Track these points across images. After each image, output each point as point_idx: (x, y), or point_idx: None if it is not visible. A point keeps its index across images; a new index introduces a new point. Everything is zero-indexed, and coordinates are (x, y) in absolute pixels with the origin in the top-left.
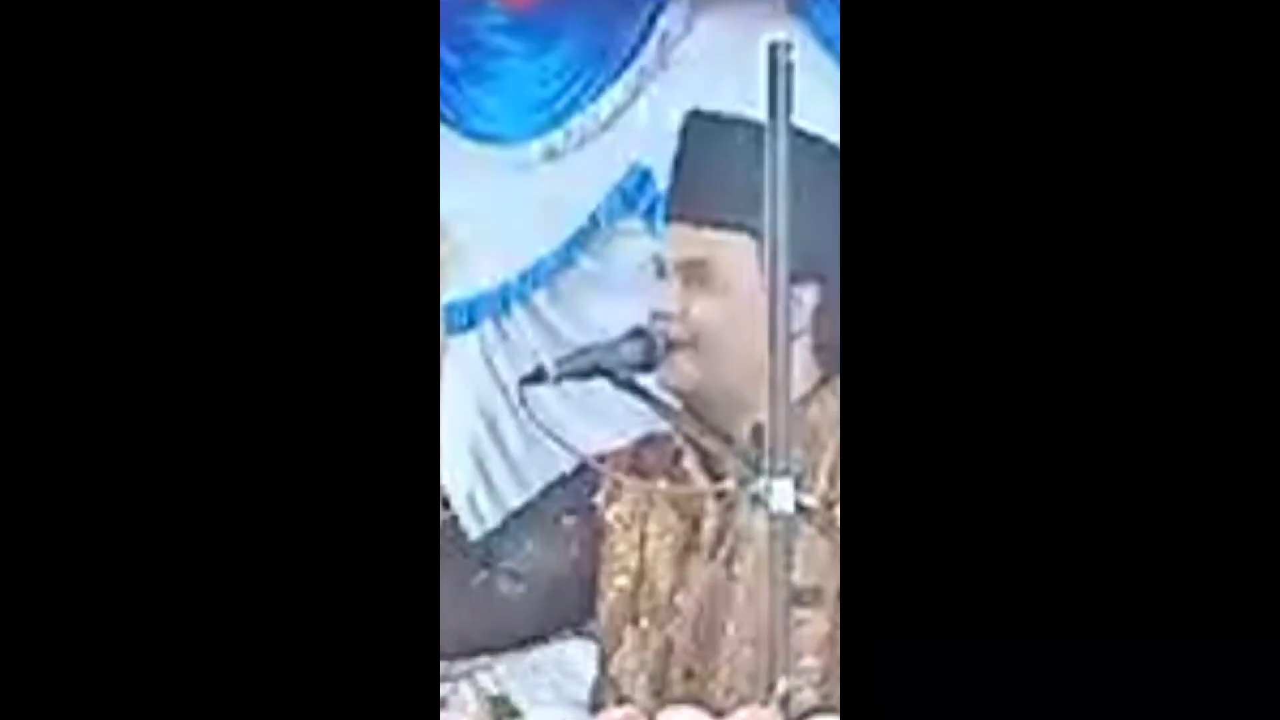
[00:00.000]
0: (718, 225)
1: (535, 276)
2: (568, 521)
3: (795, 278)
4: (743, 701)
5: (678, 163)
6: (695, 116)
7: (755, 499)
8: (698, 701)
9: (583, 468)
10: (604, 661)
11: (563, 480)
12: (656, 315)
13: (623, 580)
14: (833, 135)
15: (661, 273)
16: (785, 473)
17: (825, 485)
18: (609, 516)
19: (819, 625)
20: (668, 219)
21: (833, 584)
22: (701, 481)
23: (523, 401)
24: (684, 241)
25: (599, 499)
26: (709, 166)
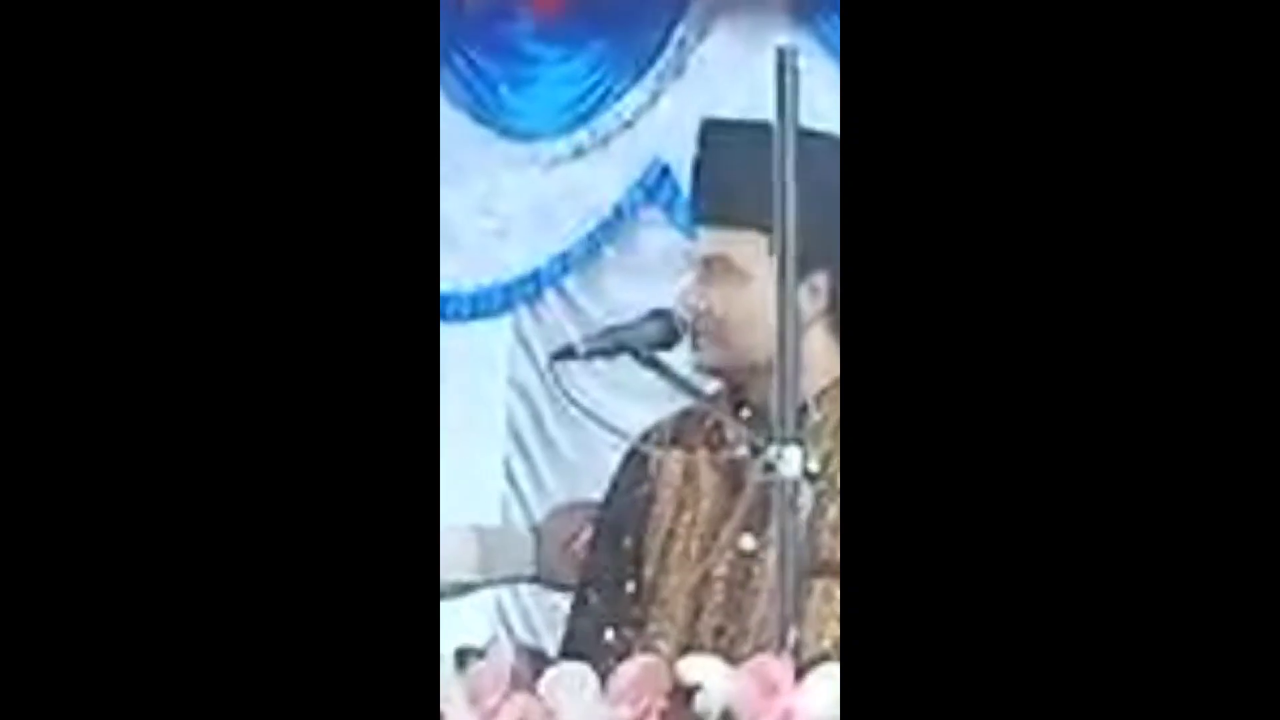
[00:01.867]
0: (735, 224)
1: (565, 263)
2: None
3: (808, 265)
4: (752, 650)
5: (697, 168)
6: (710, 124)
7: (767, 466)
8: (728, 655)
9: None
10: (641, 615)
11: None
12: (687, 308)
13: (660, 539)
14: (837, 131)
15: (693, 268)
16: (795, 441)
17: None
18: (639, 487)
19: (822, 579)
20: (695, 221)
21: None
22: (720, 454)
23: (555, 377)
24: (707, 240)
25: (650, 468)
26: (725, 169)
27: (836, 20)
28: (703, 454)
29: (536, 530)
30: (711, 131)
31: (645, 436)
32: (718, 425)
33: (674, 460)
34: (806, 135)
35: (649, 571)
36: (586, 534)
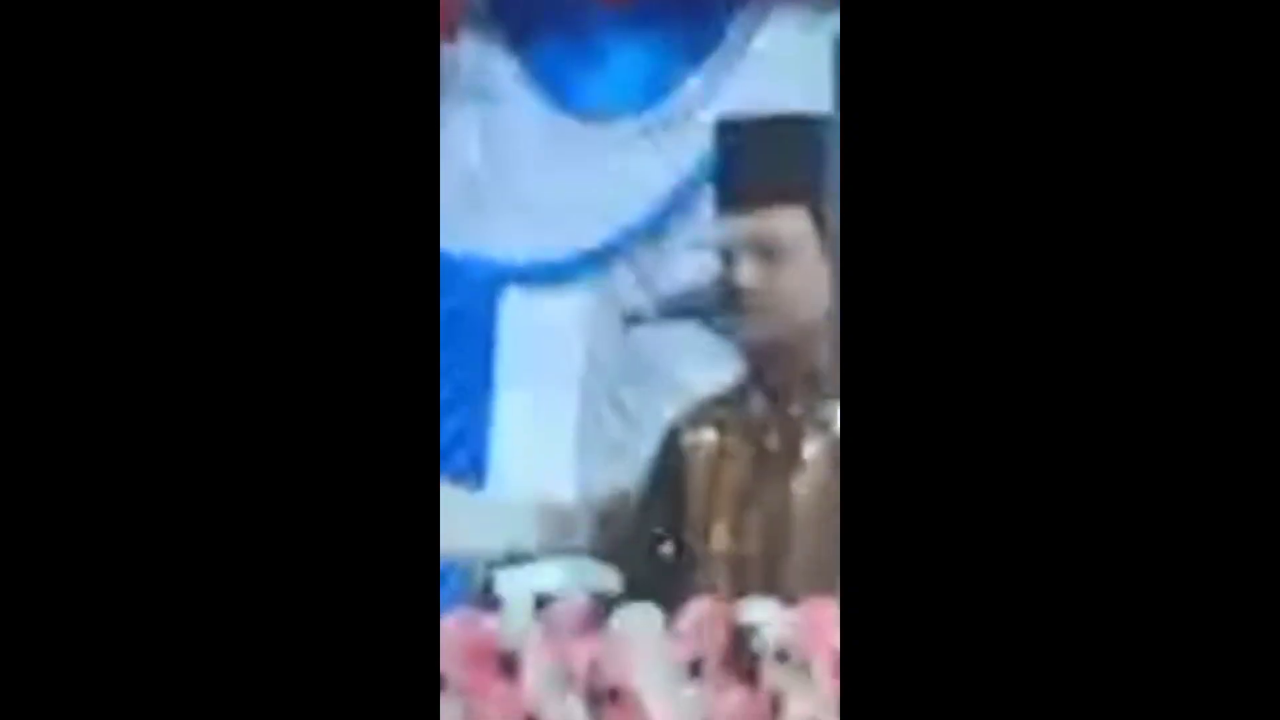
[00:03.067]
0: (785, 200)
1: (636, 237)
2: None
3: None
4: (811, 590)
5: (721, 164)
6: (722, 125)
7: (818, 423)
8: (772, 590)
9: (681, 414)
10: (692, 562)
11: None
12: (738, 292)
13: (705, 498)
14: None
15: (727, 259)
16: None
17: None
18: (694, 447)
19: None
20: (724, 204)
21: None
22: (773, 418)
23: (627, 341)
24: (747, 224)
25: (686, 435)
26: (766, 153)
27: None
28: (736, 423)
29: (593, 506)
30: (725, 130)
31: (682, 414)
32: (744, 396)
33: (706, 433)
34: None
35: (690, 529)
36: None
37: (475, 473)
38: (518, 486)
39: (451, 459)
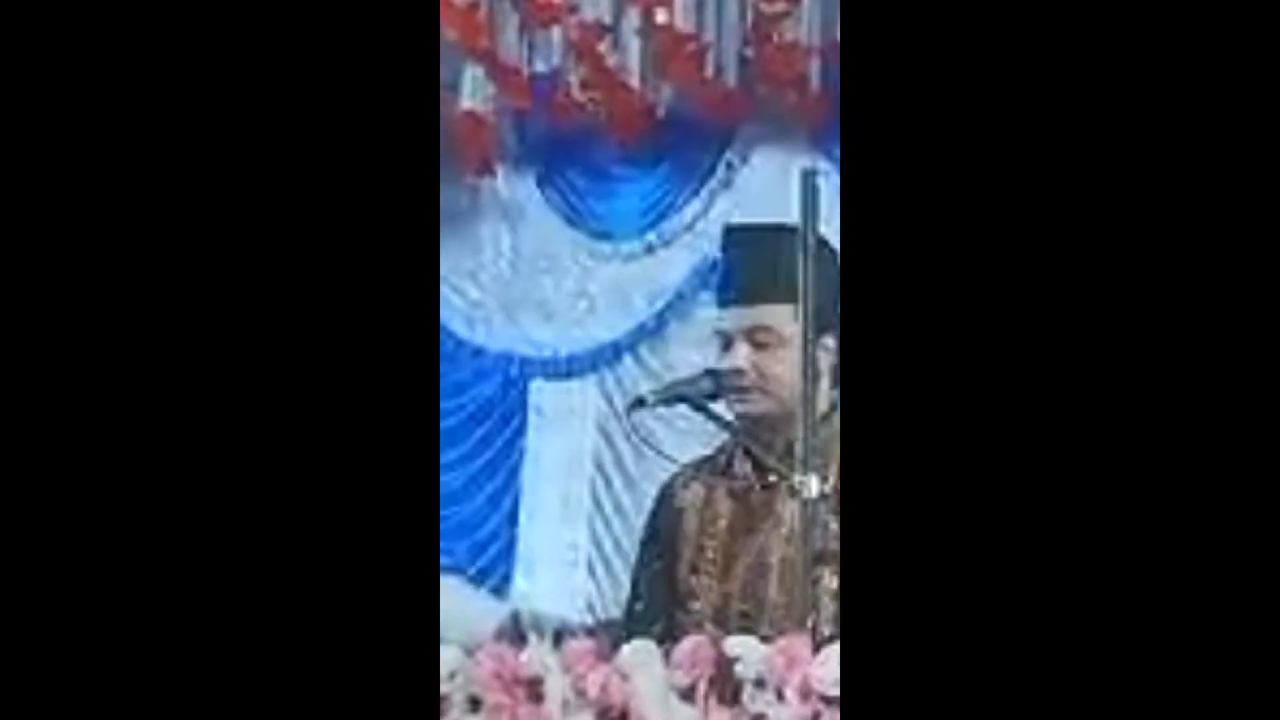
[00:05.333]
0: (771, 300)
1: (640, 334)
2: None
3: (823, 331)
4: (783, 632)
5: (727, 261)
6: (733, 228)
7: (793, 490)
8: (750, 632)
9: (673, 476)
10: (680, 604)
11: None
12: (733, 373)
13: (691, 545)
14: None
15: (727, 345)
16: (816, 470)
17: (835, 475)
18: (685, 503)
19: (831, 576)
20: (724, 303)
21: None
22: (755, 481)
23: (631, 422)
24: (744, 316)
25: (678, 493)
26: (754, 259)
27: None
28: (720, 484)
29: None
30: (731, 234)
31: (675, 475)
32: (730, 462)
33: (695, 491)
34: (826, 246)
35: (682, 574)
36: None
37: (509, 527)
38: (541, 538)
39: (487, 520)
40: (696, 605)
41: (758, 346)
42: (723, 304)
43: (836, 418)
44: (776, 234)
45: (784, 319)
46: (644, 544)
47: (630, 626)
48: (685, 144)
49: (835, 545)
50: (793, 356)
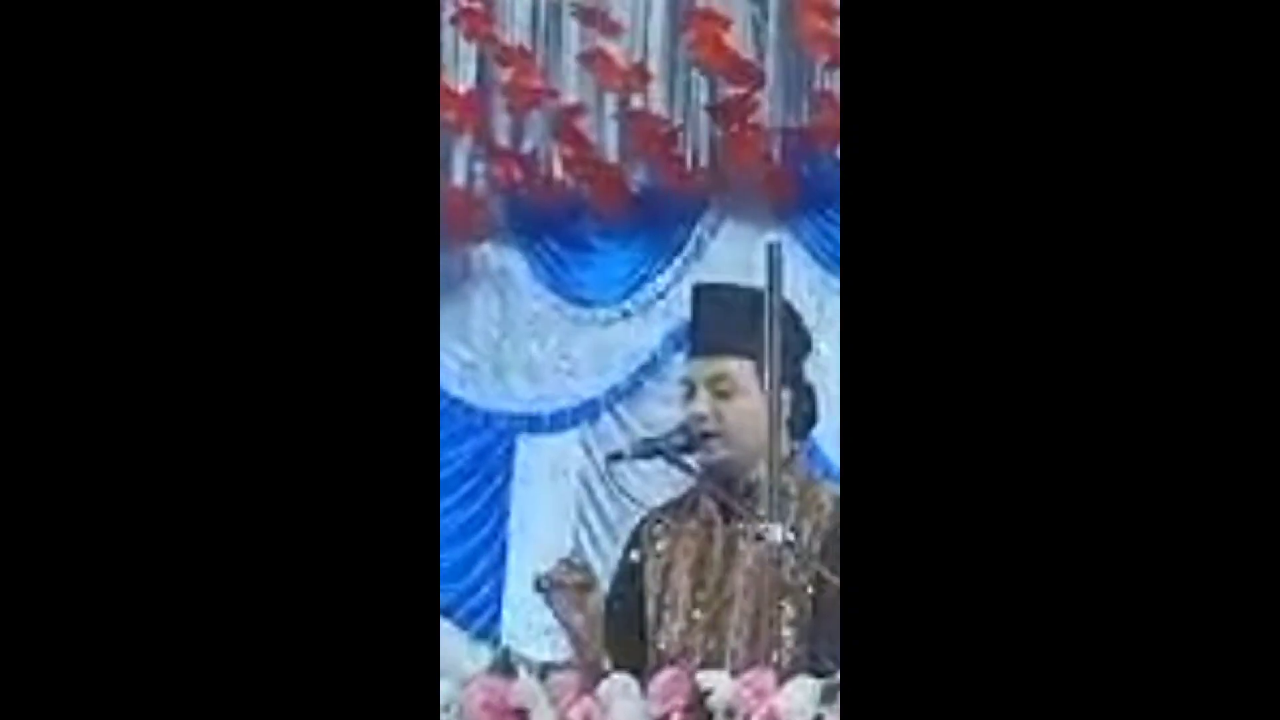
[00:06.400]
0: (733, 354)
1: (617, 393)
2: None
3: (783, 385)
4: (746, 665)
5: (695, 317)
6: (700, 288)
7: (758, 535)
8: (716, 665)
9: (644, 519)
10: (651, 639)
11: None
12: (694, 416)
13: (660, 583)
14: (797, 303)
15: (691, 392)
16: (775, 518)
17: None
18: (658, 547)
19: (793, 613)
20: (692, 355)
21: (805, 581)
22: (720, 523)
23: (610, 473)
24: (708, 367)
25: (648, 535)
26: (719, 317)
27: (812, 220)
28: (687, 525)
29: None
30: (703, 292)
31: (643, 520)
32: (694, 506)
33: (664, 532)
34: (786, 308)
35: (651, 610)
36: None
37: (498, 570)
38: (528, 580)
39: (477, 559)
40: (665, 639)
41: (719, 395)
42: (689, 355)
43: (795, 463)
44: (737, 294)
45: (742, 370)
46: (617, 582)
47: (609, 659)
48: (659, 218)
49: (796, 581)
50: (750, 405)
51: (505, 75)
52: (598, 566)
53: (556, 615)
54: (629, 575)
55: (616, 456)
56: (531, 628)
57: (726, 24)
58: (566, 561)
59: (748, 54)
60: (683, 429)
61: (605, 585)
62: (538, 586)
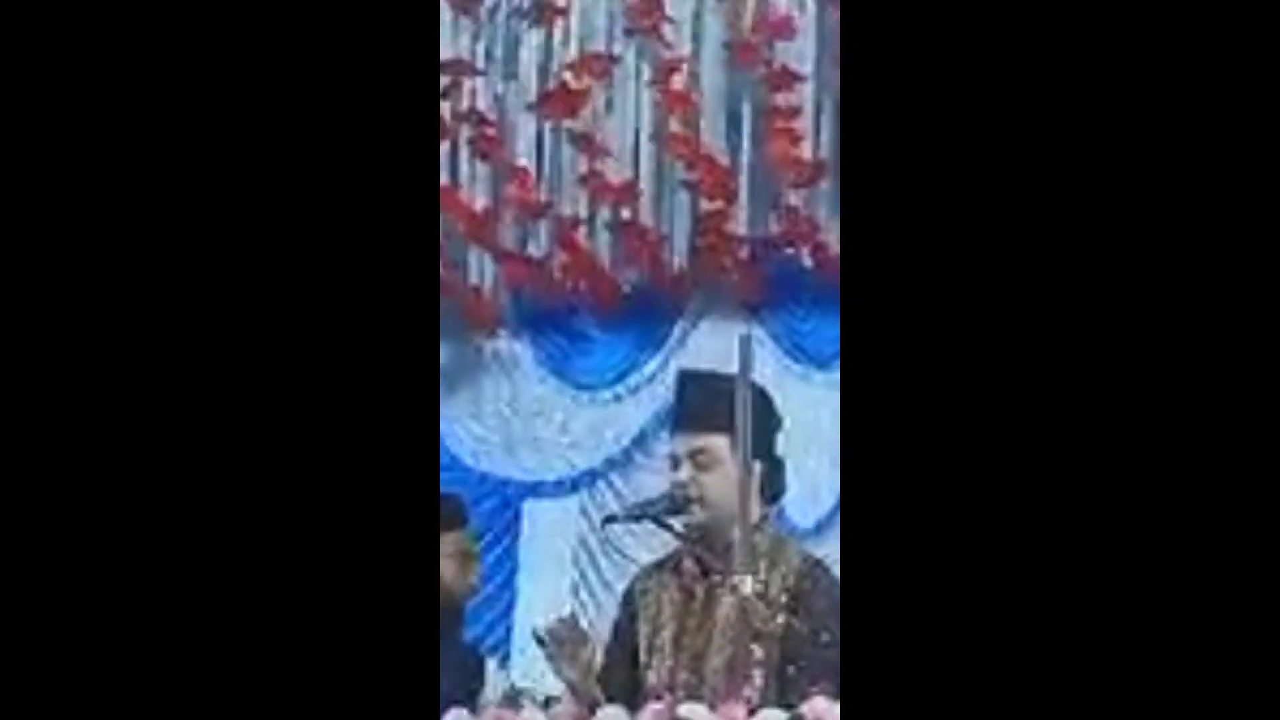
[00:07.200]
0: (711, 431)
1: (611, 465)
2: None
3: (754, 458)
4: (722, 698)
5: (678, 399)
6: (684, 374)
7: (733, 587)
8: (697, 698)
9: (635, 575)
10: (642, 675)
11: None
12: (677, 485)
13: (648, 629)
14: (768, 387)
15: (675, 464)
16: (748, 572)
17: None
18: (647, 598)
19: (762, 655)
20: (675, 432)
21: (773, 627)
22: (700, 577)
23: (605, 533)
24: (690, 442)
25: (639, 588)
26: (699, 399)
27: (780, 315)
28: (672, 580)
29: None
30: (685, 378)
31: (636, 576)
32: (678, 563)
33: (652, 586)
34: (756, 387)
35: (642, 652)
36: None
37: (506, 617)
38: (535, 619)
39: (491, 606)
40: (654, 676)
41: (699, 467)
42: (673, 432)
43: (765, 526)
44: (714, 379)
45: (719, 445)
46: (614, 628)
47: (604, 693)
48: (647, 314)
49: (766, 627)
50: (726, 475)
51: (513, 192)
52: (593, 614)
53: (553, 666)
54: (623, 622)
55: (610, 519)
56: (536, 666)
57: (715, 148)
58: (562, 620)
59: (724, 174)
60: (668, 496)
61: (602, 631)
62: (538, 641)
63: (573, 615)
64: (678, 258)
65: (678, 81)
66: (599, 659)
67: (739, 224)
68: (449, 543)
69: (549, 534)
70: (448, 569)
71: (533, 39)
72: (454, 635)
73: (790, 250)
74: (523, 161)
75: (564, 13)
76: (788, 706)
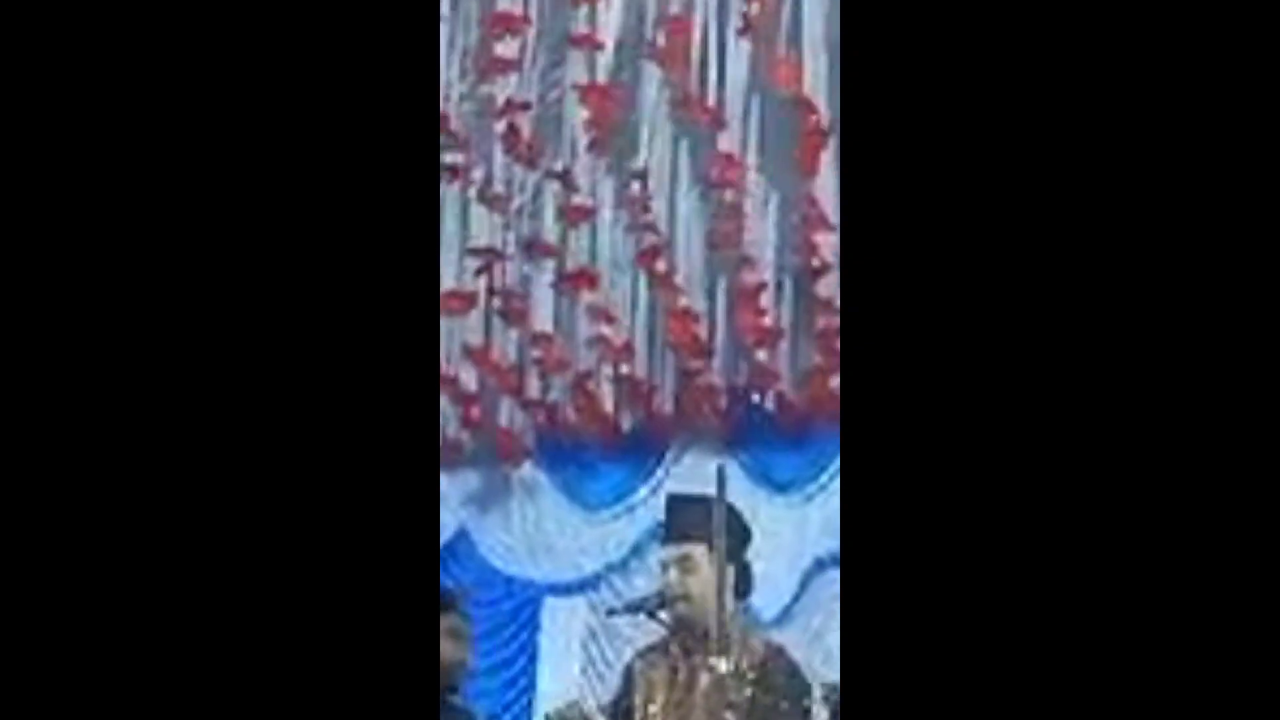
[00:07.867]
0: (693, 542)
1: (612, 569)
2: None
3: (728, 563)
4: None
5: (667, 517)
6: (671, 496)
7: (710, 667)
8: None
9: (631, 658)
10: None
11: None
12: (666, 585)
13: (642, 700)
14: (739, 506)
15: (664, 569)
16: (723, 654)
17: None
18: (639, 675)
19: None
20: (664, 543)
21: (742, 699)
22: (683, 658)
23: (607, 624)
24: (676, 551)
25: (635, 668)
26: (684, 517)
27: (754, 450)
28: (661, 662)
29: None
30: (672, 501)
31: (633, 657)
32: (666, 647)
33: (645, 667)
34: (730, 510)
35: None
36: None
37: (529, 694)
38: (549, 703)
39: (513, 686)
40: None
41: (683, 570)
42: (662, 543)
43: (736, 617)
44: (696, 501)
45: (700, 553)
46: (614, 703)
47: None
48: (641, 449)
49: (738, 698)
50: (705, 577)
51: (535, 352)
52: (599, 688)
53: None
54: (621, 698)
55: (612, 612)
56: None
57: (696, 317)
58: (569, 704)
59: (704, 338)
60: (658, 594)
61: (605, 701)
62: None
63: (578, 701)
64: (666, 404)
65: (661, 265)
66: None
67: (716, 376)
68: (446, 622)
69: (563, 624)
70: (445, 646)
71: (555, 233)
72: (451, 704)
73: (757, 398)
74: (543, 328)
75: (591, 213)
76: None
